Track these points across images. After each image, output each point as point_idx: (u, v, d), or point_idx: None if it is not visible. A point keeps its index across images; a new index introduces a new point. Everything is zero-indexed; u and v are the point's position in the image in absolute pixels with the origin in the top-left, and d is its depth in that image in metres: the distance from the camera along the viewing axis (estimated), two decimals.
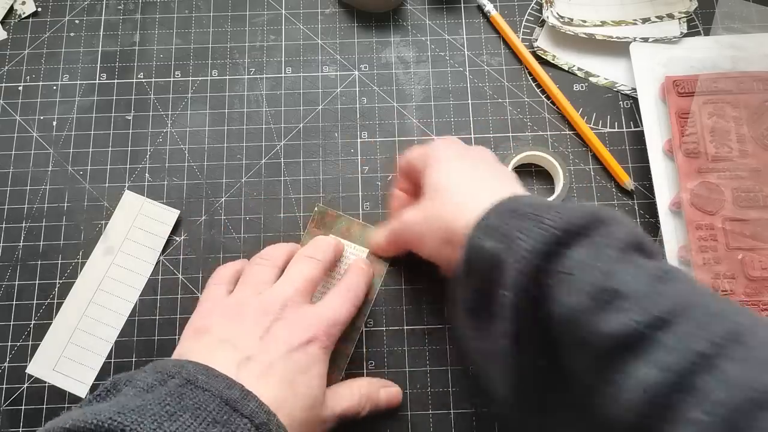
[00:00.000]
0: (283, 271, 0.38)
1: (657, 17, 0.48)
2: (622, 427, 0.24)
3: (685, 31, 0.47)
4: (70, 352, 0.42)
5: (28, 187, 0.45)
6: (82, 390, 0.41)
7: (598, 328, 0.25)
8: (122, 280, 0.43)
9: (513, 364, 0.29)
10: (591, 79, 0.48)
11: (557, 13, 0.48)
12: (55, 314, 0.42)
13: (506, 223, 0.29)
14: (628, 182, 0.44)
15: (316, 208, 0.44)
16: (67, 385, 0.41)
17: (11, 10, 0.50)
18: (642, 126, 0.45)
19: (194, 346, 0.33)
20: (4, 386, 0.41)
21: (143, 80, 0.48)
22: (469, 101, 0.47)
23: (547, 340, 0.28)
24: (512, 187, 0.35)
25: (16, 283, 0.43)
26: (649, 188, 0.44)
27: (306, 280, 0.36)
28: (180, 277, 0.43)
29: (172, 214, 0.44)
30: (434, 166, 0.37)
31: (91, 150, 0.46)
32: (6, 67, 0.48)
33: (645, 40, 0.47)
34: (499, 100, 0.47)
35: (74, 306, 0.43)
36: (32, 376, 0.41)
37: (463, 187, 0.35)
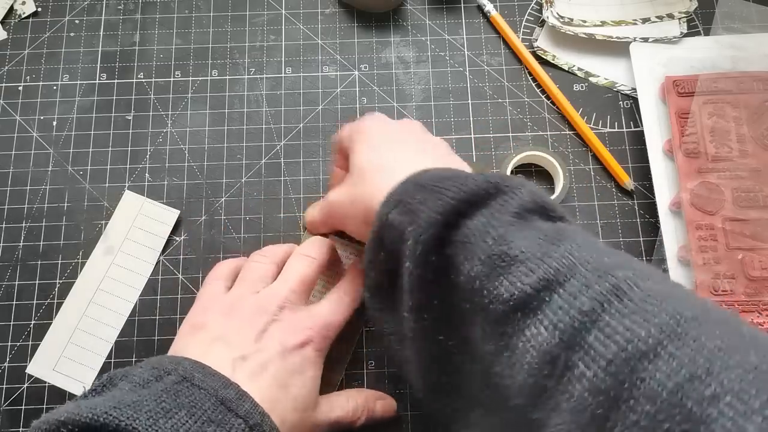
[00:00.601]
0: (281, 268, 0.38)
1: (657, 17, 0.48)
2: (522, 392, 0.25)
3: (685, 31, 0.47)
4: (70, 352, 0.42)
5: (28, 187, 0.45)
6: (81, 390, 0.41)
7: (493, 293, 0.26)
8: (122, 280, 0.43)
9: (416, 340, 0.30)
10: (591, 79, 0.48)
11: (557, 13, 0.48)
12: (55, 314, 0.42)
13: (412, 196, 0.30)
14: (628, 182, 0.44)
15: None
16: (67, 385, 0.41)
17: (11, 10, 0.50)
18: (642, 126, 0.45)
19: (190, 342, 0.34)
20: (4, 386, 0.41)
21: (143, 80, 0.48)
22: (469, 101, 0.47)
23: (448, 312, 0.28)
24: (434, 160, 0.35)
25: (16, 283, 0.43)
26: (649, 188, 0.44)
27: (302, 279, 0.36)
28: (180, 277, 0.43)
29: (172, 214, 0.44)
30: (358, 146, 0.36)
31: (91, 150, 0.46)
32: (6, 67, 0.48)
33: (645, 40, 0.47)
34: (499, 100, 0.47)
35: (74, 306, 0.43)
36: (32, 376, 0.41)
37: (384, 167, 0.34)
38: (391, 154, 0.35)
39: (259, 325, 0.34)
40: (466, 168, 0.35)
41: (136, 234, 0.44)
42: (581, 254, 0.25)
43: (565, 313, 0.24)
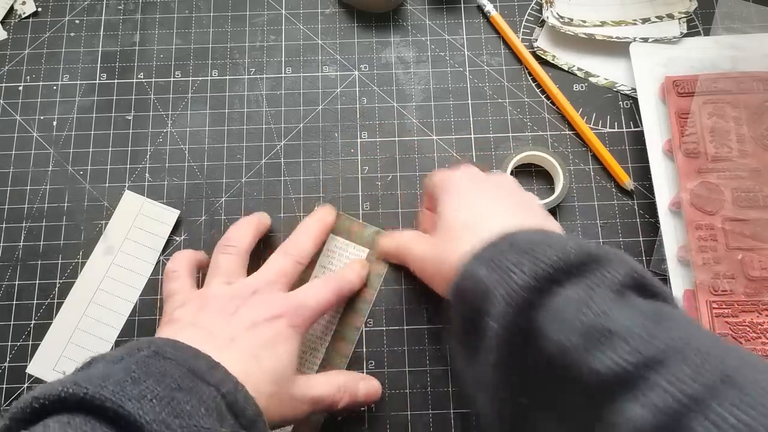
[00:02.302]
0: (249, 255, 0.39)
1: (657, 17, 0.48)
2: None
3: (685, 31, 0.47)
4: (70, 352, 0.42)
5: (28, 187, 0.45)
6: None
7: (589, 366, 0.25)
8: (122, 280, 0.43)
9: (494, 395, 0.29)
10: (591, 79, 0.48)
11: (557, 13, 0.48)
12: (55, 314, 0.42)
13: (503, 255, 0.29)
14: (628, 182, 0.44)
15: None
16: None
17: (11, 10, 0.50)
18: (642, 126, 0.45)
19: (165, 333, 0.34)
20: (4, 386, 0.41)
21: (143, 80, 0.48)
22: (469, 101, 0.47)
23: (529, 376, 0.28)
24: (525, 219, 0.34)
25: (16, 283, 0.43)
26: (649, 188, 0.44)
27: (277, 272, 0.37)
28: None
29: (172, 214, 0.44)
30: (448, 200, 0.36)
31: (91, 150, 0.46)
32: (6, 67, 0.48)
33: (645, 40, 0.47)
34: (499, 100, 0.47)
35: (74, 306, 0.43)
36: (32, 376, 0.41)
37: (472, 226, 0.34)
38: (479, 212, 0.35)
39: (230, 309, 0.34)
40: (556, 228, 0.35)
41: (136, 234, 0.44)
42: (686, 337, 0.25)
43: (669, 396, 0.23)
